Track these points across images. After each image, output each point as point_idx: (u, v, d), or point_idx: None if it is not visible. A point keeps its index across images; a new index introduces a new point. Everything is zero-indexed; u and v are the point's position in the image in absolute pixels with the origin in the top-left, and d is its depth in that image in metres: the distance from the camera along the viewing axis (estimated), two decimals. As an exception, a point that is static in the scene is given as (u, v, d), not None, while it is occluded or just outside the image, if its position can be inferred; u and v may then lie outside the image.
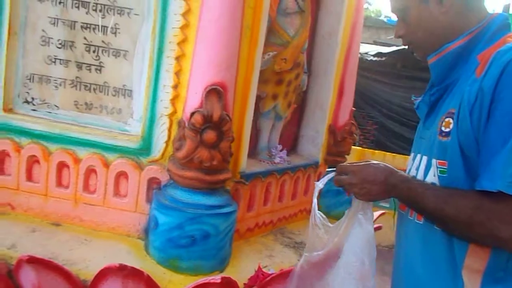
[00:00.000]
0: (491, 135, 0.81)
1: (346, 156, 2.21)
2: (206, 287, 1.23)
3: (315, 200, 1.16)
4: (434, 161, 0.93)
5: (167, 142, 1.47)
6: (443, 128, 0.91)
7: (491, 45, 0.87)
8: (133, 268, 1.22)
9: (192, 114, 1.37)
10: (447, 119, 0.90)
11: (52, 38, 1.53)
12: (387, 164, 1.01)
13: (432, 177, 0.94)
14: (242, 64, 1.50)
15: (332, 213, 1.91)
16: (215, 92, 1.37)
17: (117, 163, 1.49)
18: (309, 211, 1.48)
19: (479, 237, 0.85)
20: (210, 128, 1.36)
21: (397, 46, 8.62)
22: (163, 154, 1.48)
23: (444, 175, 0.90)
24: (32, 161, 1.53)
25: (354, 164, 1.04)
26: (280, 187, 1.84)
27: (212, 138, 1.36)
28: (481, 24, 0.92)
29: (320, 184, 1.14)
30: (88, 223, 1.53)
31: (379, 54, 8.93)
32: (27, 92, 1.57)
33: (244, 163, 1.60)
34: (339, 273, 1.07)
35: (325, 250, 1.17)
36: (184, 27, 1.42)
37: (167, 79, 1.45)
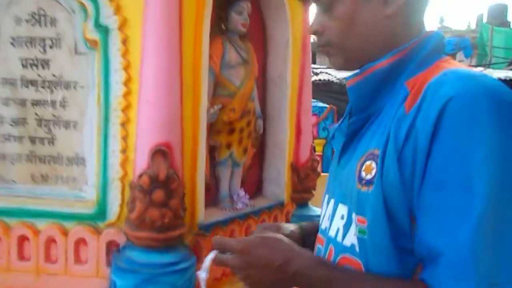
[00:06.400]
0: (435, 201, 0.59)
1: (313, 191, 2.26)
2: None
3: None
4: (354, 216, 0.70)
5: (121, 205, 1.52)
6: (363, 174, 0.69)
7: (423, 71, 0.68)
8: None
9: (140, 176, 1.43)
10: (368, 162, 0.69)
11: (4, 117, 1.60)
12: (291, 242, 0.71)
13: (352, 237, 0.70)
14: (187, 121, 1.57)
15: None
16: (160, 153, 1.44)
17: (75, 230, 1.53)
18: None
19: None
20: (158, 188, 1.41)
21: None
22: (119, 217, 1.52)
23: (364, 237, 0.66)
24: (-7, 237, 1.57)
25: (243, 239, 0.75)
26: (245, 232, 1.87)
27: (161, 198, 1.41)
28: (413, 41, 0.71)
29: (203, 274, 0.78)
30: (52, 293, 1.54)
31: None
32: (-15, 171, 1.62)
33: (202, 215, 1.65)
34: None
35: None
36: (126, 94, 1.50)
37: (115, 145, 1.51)
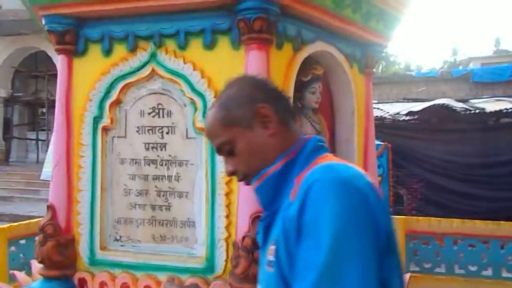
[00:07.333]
0: (298, 258, 0.78)
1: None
2: None
3: None
4: None
5: (226, 261, 1.85)
6: (269, 257, 0.86)
7: (306, 167, 0.88)
8: None
9: (243, 238, 1.76)
10: (271, 247, 0.86)
11: (131, 189, 2.02)
12: None
13: None
14: (277, 189, 1.90)
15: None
16: (259, 218, 1.76)
17: (189, 282, 1.87)
18: None
19: None
20: (258, 248, 1.73)
21: (428, 101, 8.86)
22: (224, 271, 1.85)
23: None
24: (124, 287, 1.95)
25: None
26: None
27: (261, 256, 1.73)
28: (296, 146, 0.93)
29: None
30: (171, 335, 1.87)
31: (410, 113, 9.16)
32: (116, 232, 2.04)
33: (290, 268, 1.93)
34: None
35: None
36: (228, 170, 1.86)
37: (220, 211, 1.86)
